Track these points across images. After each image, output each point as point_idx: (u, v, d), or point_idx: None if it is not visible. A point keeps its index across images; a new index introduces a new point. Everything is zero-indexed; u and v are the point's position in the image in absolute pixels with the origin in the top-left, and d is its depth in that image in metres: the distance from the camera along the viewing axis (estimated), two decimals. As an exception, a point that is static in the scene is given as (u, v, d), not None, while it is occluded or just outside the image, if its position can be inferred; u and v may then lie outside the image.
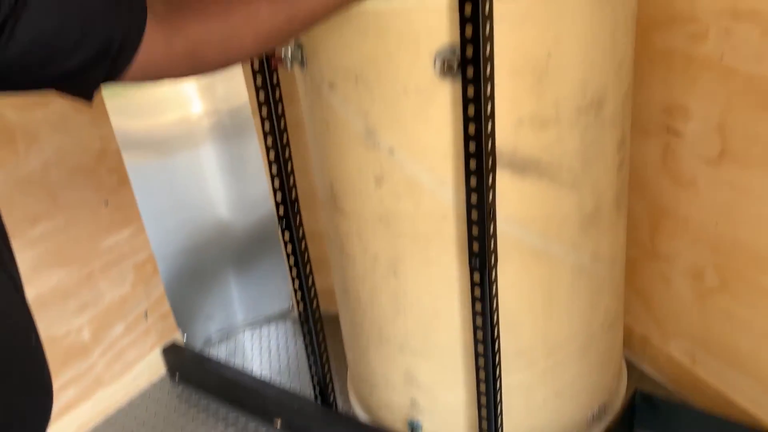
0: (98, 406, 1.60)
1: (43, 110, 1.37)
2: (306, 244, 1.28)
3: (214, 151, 1.75)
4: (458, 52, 0.86)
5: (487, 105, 0.88)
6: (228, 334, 1.91)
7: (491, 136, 0.90)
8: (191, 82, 1.66)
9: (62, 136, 1.41)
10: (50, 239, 1.43)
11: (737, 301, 1.27)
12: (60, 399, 1.50)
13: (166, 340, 1.74)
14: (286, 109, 1.15)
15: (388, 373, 1.27)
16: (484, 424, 1.16)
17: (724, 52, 1.12)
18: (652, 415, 1.33)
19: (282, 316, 1.95)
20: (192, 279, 1.84)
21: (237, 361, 1.79)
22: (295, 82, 1.15)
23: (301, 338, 1.37)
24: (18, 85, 0.60)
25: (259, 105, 1.14)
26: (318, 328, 1.37)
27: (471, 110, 0.89)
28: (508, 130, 0.95)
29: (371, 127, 0.99)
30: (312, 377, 1.45)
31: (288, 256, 1.28)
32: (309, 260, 1.29)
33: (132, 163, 1.58)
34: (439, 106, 0.94)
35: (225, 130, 1.74)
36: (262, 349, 1.83)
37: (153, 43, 0.66)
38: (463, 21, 0.83)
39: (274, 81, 1.11)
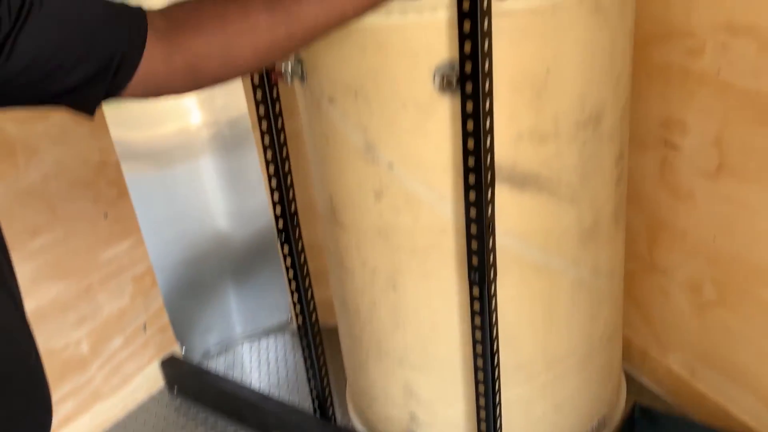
0: (96, 419, 1.60)
1: (43, 123, 1.37)
2: (305, 257, 1.28)
3: (213, 162, 1.75)
4: (457, 67, 0.87)
5: (486, 120, 0.88)
6: (226, 347, 1.90)
7: (490, 151, 0.91)
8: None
9: (62, 148, 1.42)
10: (50, 251, 1.43)
11: (735, 314, 1.27)
12: (58, 412, 1.50)
13: (165, 353, 1.74)
14: (285, 121, 1.16)
15: (387, 386, 1.27)
16: (484, 438, 1.16)
17: (720, 67, 1.13)
18: (651, 429, 1.33)
19: (281, 329, 1.95)
20: (191, 291, 1.84)
21: (235, 374, 1.79)
22: (294, 94, 1.16)
23: (300, 351, 1.37)
24: (19, 101, 0.61)
25: (259, 119, 1.14)
26: (317, 341, 1.37)
27: (470, 125, 0.89)
28: (508, 144, 0.95)
29: (371, 141, 1.00)
30: (311, 390, 1.45)
31: (287, 269, 1.28)
32: (308, 273, 1.30)
33: (131, 174, 1.59)
34: (438, 121, 0.94)
35: (224, 141, 1.74)
36: (260, 361, 1.83)
37: (153, 58, 0.67)
38: (462, 37, 0.83)
39: (274, 95, 1.12)
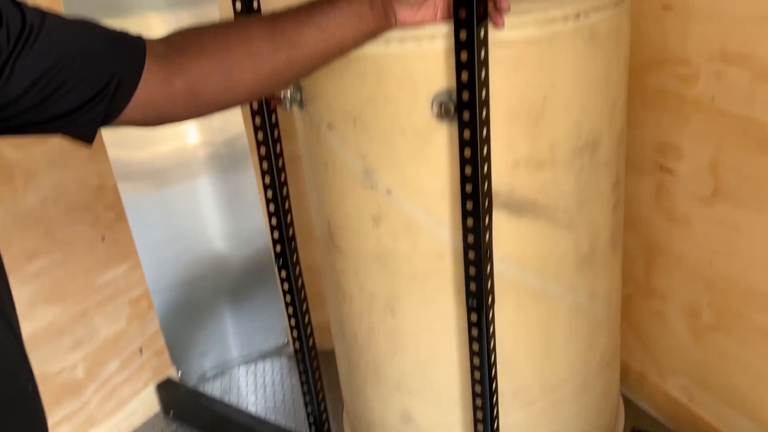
0: (91, 444, 1.58)
1: (42, 147, 1.38)
2: (303, 282, 1.28)
3: (210, 182, 1.75)
4: (455, 96, 0.88)
5: (483, 147, 0.89)
6: (223, 370, 1.89)
7: (487, 178, 0.91)
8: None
9: (60, 172, 1.42)
10: (47, 275, 1.43)
11: (733, 339, 1.27)
12: (52, 437, 1.49)
13: (161, 377, 1.73)
14: (283, 143, 1.16)
15: (384, 412, 1.26)
16: (482, 464, 1.15)
17: (715, 94, 1.14)
18: (650, 454, 1.33)
19: (277, 352, 1.94)
20: (187, 313, 1.83)
21: (232, 398, 1.78)
22: (292, 117, 1.17)
23: (297, 374, 1.36)
24: (18, 127, 0.61)
25: (258, 144, 1.15)
26: (314, 365, 1.36)
27: (467, 152, 0.90)
28: (505, 171, 0.96)
29: (369, 167, 1.00)
30: (308, 415, 1.44)
31: (285, 293, 1.28)
32: (306, 298, 1.29)
33: (128, 194, 1.59)
34: (436, 148, 0.95)
35: (221, 160, 1.74)
36: (257, 385, 1.82)
37: (152, 81, 0.67)
38: (459, 66, 0.84)
39: (273, 121, 1.13)
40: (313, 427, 1.44)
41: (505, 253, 1.01)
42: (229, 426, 1.57)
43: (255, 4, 1.01)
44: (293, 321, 1.31)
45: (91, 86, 0.62)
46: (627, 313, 1.41)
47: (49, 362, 1.46)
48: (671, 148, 1.27)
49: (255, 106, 1.11)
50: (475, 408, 1.10)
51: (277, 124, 1.13)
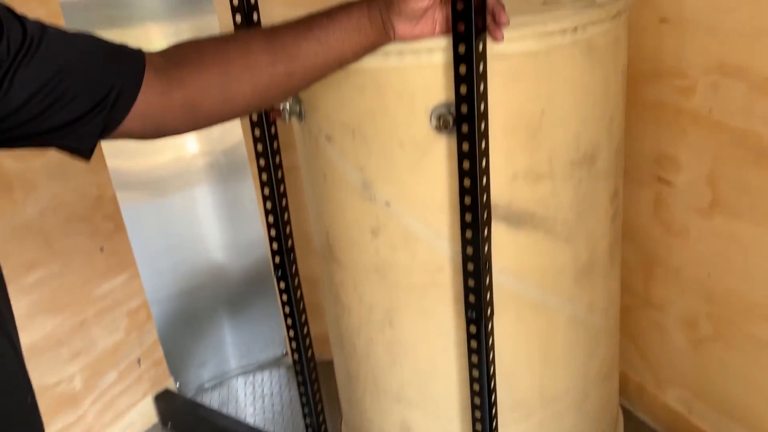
0: (88, 456, 1.58)
1: (41, 158, 1.38)
2: (302, 293, 1.28)
3: (208, 191, 1.75)
4: (453, 109, 0.88)
5: (482, 160, 0.89)
6: (221, 381, 1.89)
7: (486, 190, 0.92)
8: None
9: (59, 183, 1.42)
10: (45, 286, 1.43)
11: (731, 350, 1.27)
12: (50, 449, 1.48)
13: (159, 388, 1.72)
14: (282, 154, 1.16)
15: (383, 423, 1.26)
16: (481, 476, 1.15)
17: (712, 106, 1.15)
18: (649, 466, 1.33)
19: (276, 363, 1.94)
20: (185, 323, 1.83)
21: (230, 409, 1.77)
22: (291, 128, 1.17)
23: (295, 385, 1.36)
24: (19, 139, 0.61)
25: (257, 155, 1.15)
26: (313, 376, 1.36)
27: (466, 164, 0.90)
28: (503, 184, 0.96)
29: (368, 179, 1.00)
30: (306, 426, 1.44)
31: (283, 304, 1.28)
32: (304, 309, 1.29)
33: (126, 203, 1.59)
34: (434, 160, 0.95)
35: (220, 170, 1.74)
36: (255, 396, 1.81)
37: (151, 92, 0.68)
38: (458, 80, 0.85)
39: (272, 132, 1.13)
40: (311, 439, 1.43)
41: (504, 264, 1.01)
42: (227, 437, 1.56)
43: (255, 17, 1.01)
44: (292, 332, 1.30)
45: (90, 97, 0.62)
46: (626, 324, 1.41)
47: (47, 374, 1.46)
48: (669, 159, 1.27)
49: (254, 117, 1.11)
50: (474, 420, 1.09)
51: (276, 136, 1.13)
